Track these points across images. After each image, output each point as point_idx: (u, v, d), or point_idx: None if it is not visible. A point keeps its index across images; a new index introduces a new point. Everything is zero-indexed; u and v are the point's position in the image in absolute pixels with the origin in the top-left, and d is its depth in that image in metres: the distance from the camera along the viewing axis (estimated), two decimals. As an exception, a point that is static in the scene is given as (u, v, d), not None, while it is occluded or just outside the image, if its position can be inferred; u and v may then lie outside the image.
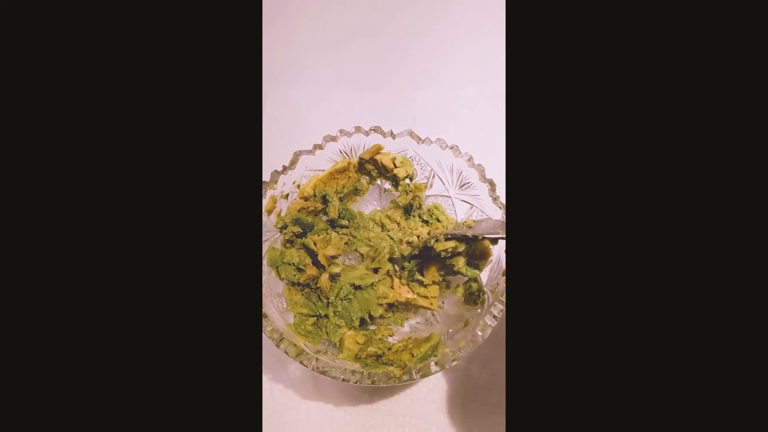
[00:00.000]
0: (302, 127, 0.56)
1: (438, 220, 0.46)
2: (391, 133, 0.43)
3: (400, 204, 0.46)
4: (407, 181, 0.45)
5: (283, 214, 0.42)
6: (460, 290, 0.42)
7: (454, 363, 0.33)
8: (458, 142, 0.42)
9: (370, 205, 0.48)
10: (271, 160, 0.43)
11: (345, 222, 0.45)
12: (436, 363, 0.33)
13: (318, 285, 0.41)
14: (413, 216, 0.46)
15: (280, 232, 0.42)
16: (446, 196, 0.45)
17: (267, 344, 0.40)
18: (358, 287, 0.40)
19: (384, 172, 0.44)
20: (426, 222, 0.46)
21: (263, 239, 0.41)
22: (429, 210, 0.46)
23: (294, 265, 0.41)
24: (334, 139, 0.42)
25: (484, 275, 0.41)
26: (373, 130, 0.42)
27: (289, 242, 0.43)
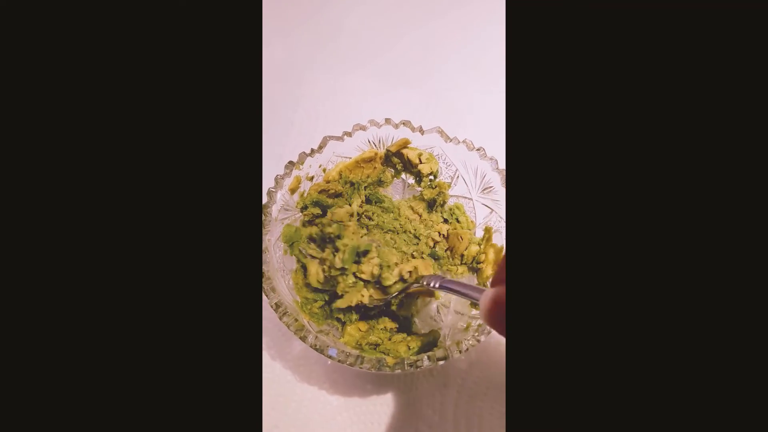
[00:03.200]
0: (335, 114, 0.57)
1: (458, 221, 0.46)
2: (420, 128, 0.43)
3: (425, 197, 0.46)
4: (431, 178, 0.45)
5: (305, 194, 0.44)
6: (468, 292, 0.42)
7: (445, 361, 0.33)
8: (486, 145, 0.42)
9: (393, 197, 0.49)
10: (301, 142, 0.44)
11: (369, 213, 0.46)
12: (428, 358, 0.33)
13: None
14: (436, 211, 0.46)
15: (301, 212, 0.43)
16: (468, 198, 0.45)
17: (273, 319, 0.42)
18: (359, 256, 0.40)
19: (409, 166, 0.45)
20: (446, 221, 0.46)
21: (284, 217, 0.43)
22: (451, 209, 0.46)
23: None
24: (363, 128, 0.43)
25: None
26: (403, 123, 0.43)
27: (308, 222, 0.44)
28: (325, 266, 0.37)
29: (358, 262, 0.36)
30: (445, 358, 0.33)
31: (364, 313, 0.41)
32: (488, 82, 0.61)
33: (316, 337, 0.35)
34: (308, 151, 0.42)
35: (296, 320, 0.35)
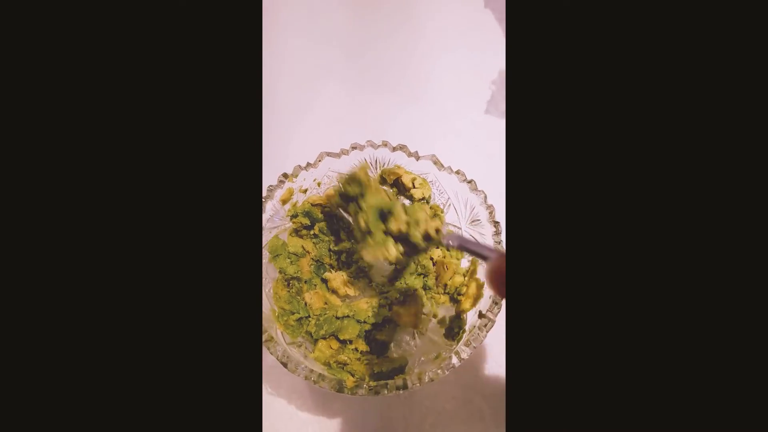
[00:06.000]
0: (332, 130, 0.58)
1: (447, 249, 0.46)
2: (416, 154, 0.43)
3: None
4: (423, 203, 0.45)
5: (298, 205, 0.44)
6: (445, 323, 0.42)
7: (401, 392, 0.33)
8: (477, 178, 0.42)
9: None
10: (301, 154, 0.45)
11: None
12: (388, 386, 0.33)
13: (304, 299, 0.42)
14: None
15: (291, 220, 0.44)
16: (458, 227, 0.45)
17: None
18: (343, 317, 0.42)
19: (402, 190, 0.45)
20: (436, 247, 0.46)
21: (274, 226, 0.44)
22: (443, 235, 0.46)
23: (295, 255, 0.43)
24: (360, 148, 0.44)
25: (470, 313, 0.41)
26: (400, 147, 0.43)
27: (295, 231, 0.45)
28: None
29: (384, 220, 0.35)
30: (404, 388, 0.33)
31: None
32: (491, 110, 0.61)
33: (285, 350, 0.36)
34: (303, 165, 0.43)
35: (266, 331, 0.36)
